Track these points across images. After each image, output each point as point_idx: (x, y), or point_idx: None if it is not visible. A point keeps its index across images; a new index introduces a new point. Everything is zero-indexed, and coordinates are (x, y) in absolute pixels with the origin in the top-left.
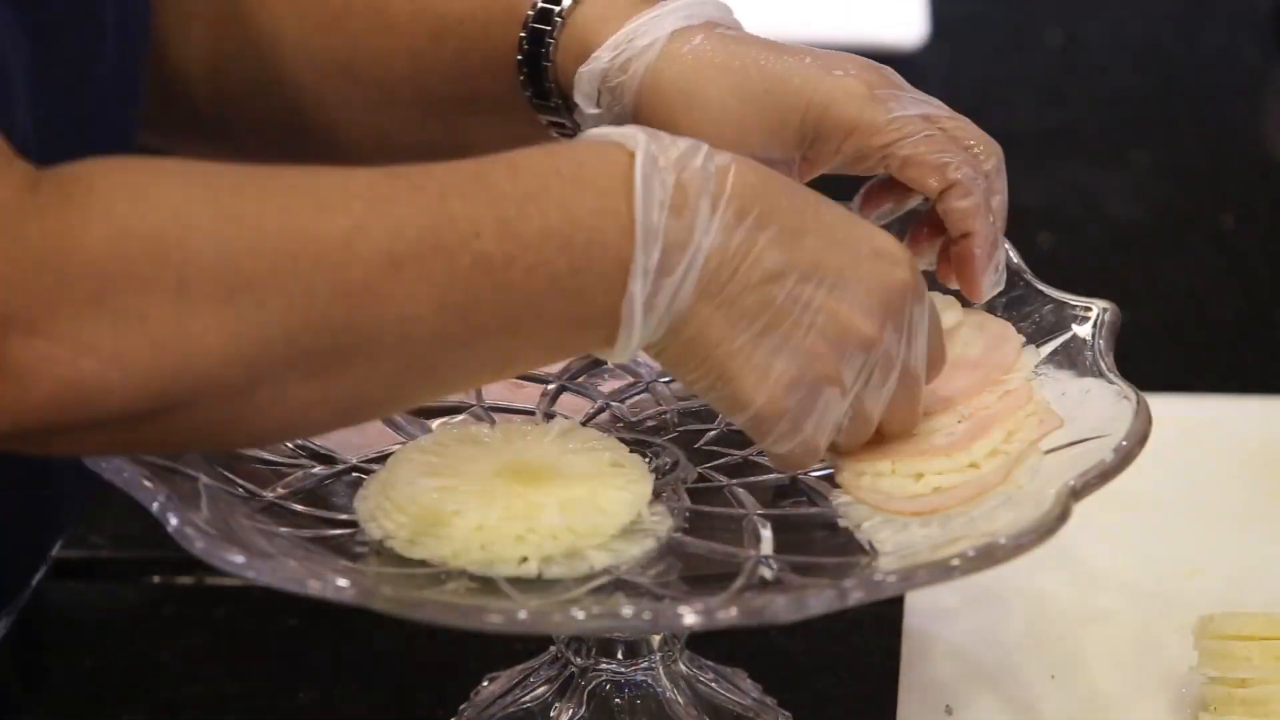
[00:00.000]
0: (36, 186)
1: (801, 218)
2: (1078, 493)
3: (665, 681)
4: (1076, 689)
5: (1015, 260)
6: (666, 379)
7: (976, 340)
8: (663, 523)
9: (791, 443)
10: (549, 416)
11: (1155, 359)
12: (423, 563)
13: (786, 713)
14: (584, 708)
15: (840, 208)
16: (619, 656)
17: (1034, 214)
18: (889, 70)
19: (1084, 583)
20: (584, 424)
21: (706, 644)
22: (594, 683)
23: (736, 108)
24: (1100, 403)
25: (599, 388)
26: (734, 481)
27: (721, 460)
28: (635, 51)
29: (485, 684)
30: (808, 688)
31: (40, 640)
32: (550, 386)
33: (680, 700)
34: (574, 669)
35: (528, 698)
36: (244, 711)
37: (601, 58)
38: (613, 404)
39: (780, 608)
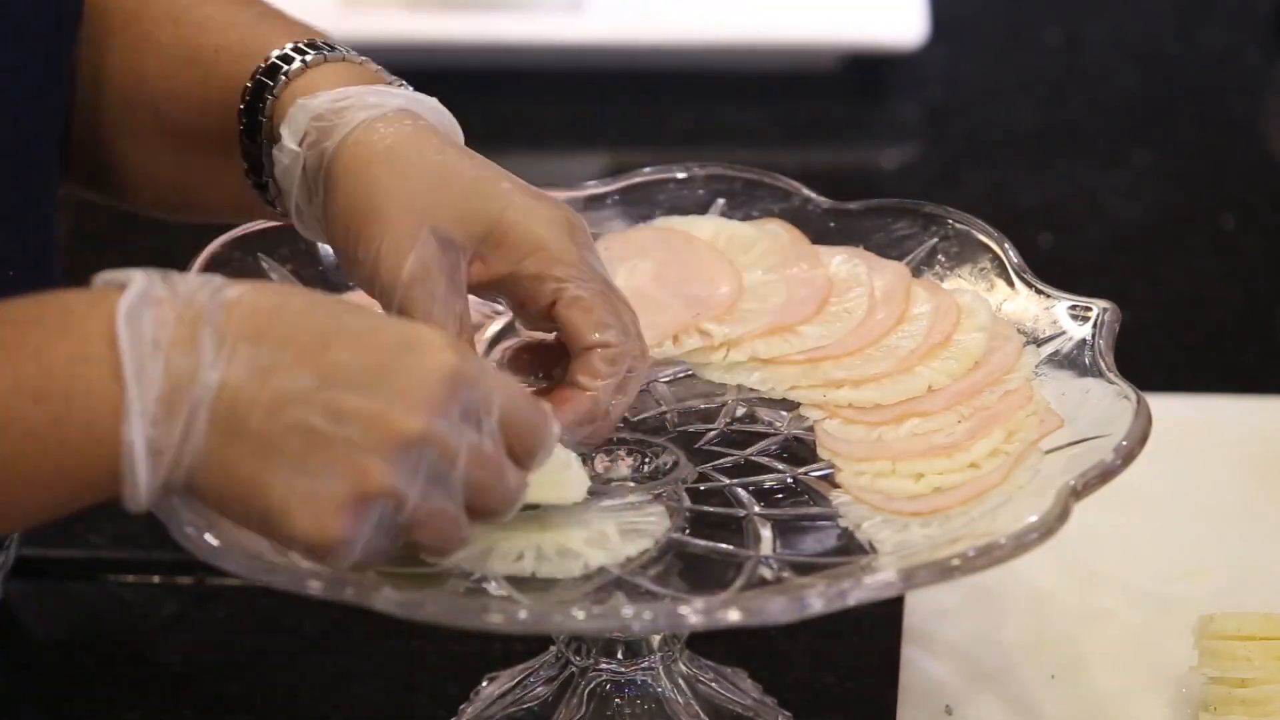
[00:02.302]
0: None
1: (324, 332)
2: (1078, 493)
3: (665, 681)
4: (1076, 689)
5: (1016, 260)
6: (666, 379)
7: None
8: (661, 523)
9: (352, 560)
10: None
11: (1155, 359)
12: (423, 562)
13: (787, 713)
14: (584, 708)
15: (368, 312)
16: (619, 656)
17: (1034, 214)
18: (582, 222)
19: (1084, 583)
20: None
21: (706, 644)
22: (594, 683)
23: (436, 182)
24: (1100, 403)
25: None
26: (734, 481)
27: (721, 460)
28: (361, 103)
29: (485, 684)
30: (808, 688)
31: (37, 639)
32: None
33: (680, 700)
34: (574, 669)
35: (528, 698)
36: (244, 712)
37: (324, 97)
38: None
39: (780, 608)
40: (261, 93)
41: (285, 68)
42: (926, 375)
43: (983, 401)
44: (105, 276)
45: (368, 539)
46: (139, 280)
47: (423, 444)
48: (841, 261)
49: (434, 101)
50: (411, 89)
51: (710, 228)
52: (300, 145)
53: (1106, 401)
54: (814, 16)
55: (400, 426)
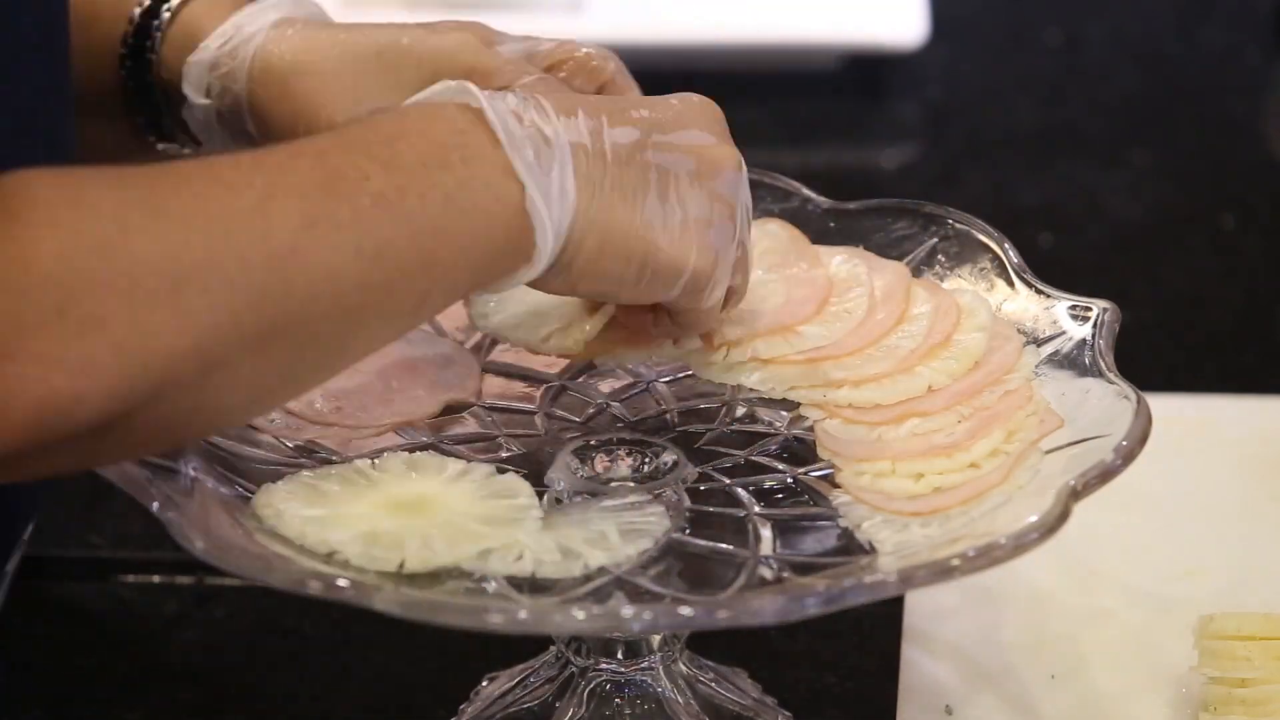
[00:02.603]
0: None
1: (614, 103)
2: (1078, 493)
3: (665, 681)
4: (1076, 689)
5: (1016, 260)
6: (666, 379)
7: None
8: (661, 523)
9: (720, 288)
10: (549, 416)
11: (1155, 359)
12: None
13: (787, 713)
14: (584, 708)
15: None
16: (619, 656)
17: (1034, 214)
18: (483, 25)
19: (1084, 583)
20: (584, 424)
21: (706, 644)
22: (594, 683)
23: (350, 72)
24: (1100, 403)
25: (599, 387)
26: (734, 481)
27: (722, 460)
28: (243, 38)
29: (485, 684)
30: (808, 688)
31: (37, 639)
32: (551, 386)
33: (680, 700)
34: (574, 669)
35: (528, 697)
36: (244, 712)
37: (210, 46)
38: (612, 404)
39: (780, 608)
40: (141, 55)
41: (156, 22)
42: (926, 375)
43: (983, 401)
44: (414, 99)
45: (726, 264)
46: (465, 85)
47: (741, 170)
48: (842, 261)
49: None
50: None
51: None
52: (209, 98)
53: (1106, 401)
54: (814, 16)
55: (725, 155)
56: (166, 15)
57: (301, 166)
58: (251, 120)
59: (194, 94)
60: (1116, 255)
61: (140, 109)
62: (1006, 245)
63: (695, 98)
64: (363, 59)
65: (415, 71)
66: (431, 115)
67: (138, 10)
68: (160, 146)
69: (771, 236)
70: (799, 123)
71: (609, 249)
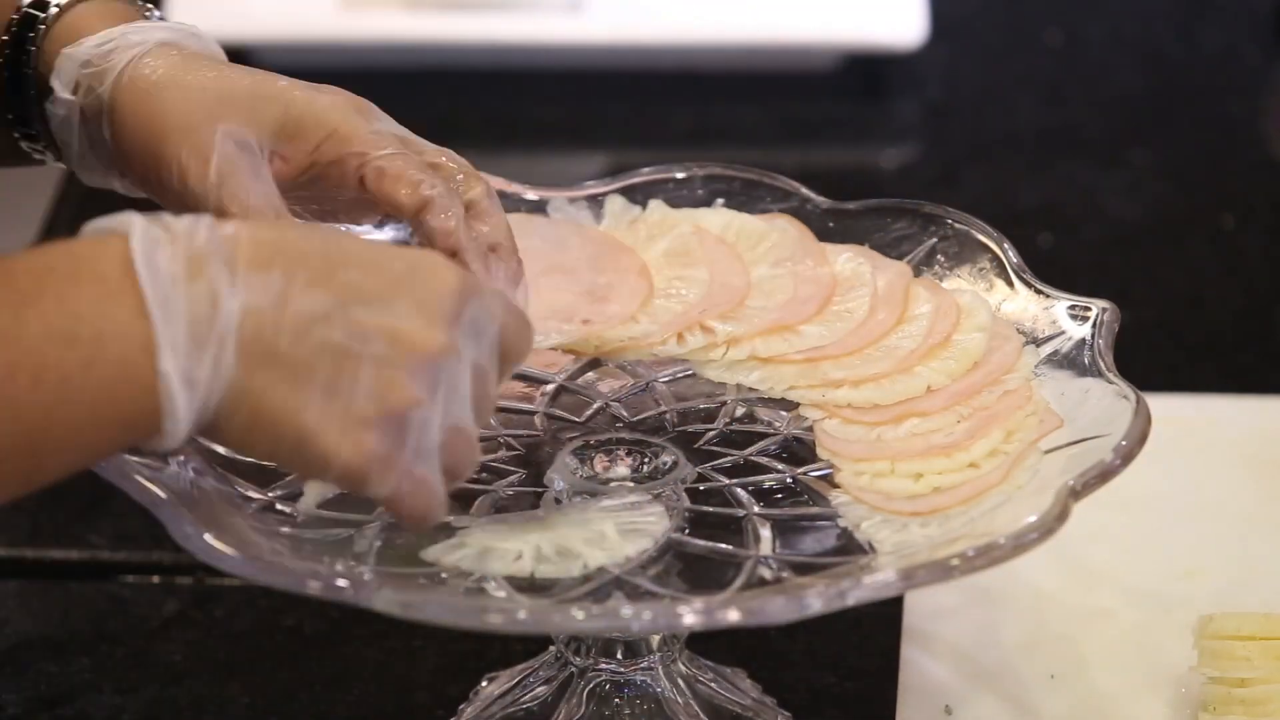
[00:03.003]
0: None
1: (327, 257)
2: (1078, 493)
3: (665, 681)
4: (1076, 689)
5: (1015, 260)
6: (666, 379)
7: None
8: (661, 523)
9: (391, 483)
10: (549, 416)
11: (1155, 359)
12: (422, 562)
13: (786, 713)
14: (584, 708)
15: (362, 238)
16: (619, 656)
17: (1034, 214)
18: (366, 101)
19: (1084, 583)
20: (584, 424)
21: (706, 644)
22: (594, 683)
23: (214, 98)
24: (1100, 402)
25: (598, 387)
26: (734, 481)
27: (721, 460)
28: (124, 44)
29: (485, 684)
30: (808, 688)
31: (37, 638)
32: (550, 386)
33: (680, 700)
34: (574, 669)
35: (528, 698)
36: (243, 712)
37: (88, 42)
38: (612, 404)
39: (780, 608)
40: (22, 45)
41: (42, 15)
42: (925, 375)
43: (982, 401)
44: (95, 225)
45: (401, 463)
46: (138, 223)
47: (443, 357)
48: (847, 259)
49: (192, 27)
50: (160, 15)
51: (720, 220)
52: (75, 94)
53: (1106, 401)
54: (814, 16)
55: (425, 341)
56: (55, 10)
57: None
58: (108, 125)
59: (61, 87)
60: (1116, 255)
61: (11, 102)
62: (1006, 245)
63: (437, 261)
64: (232, 89)
65: (281, 110)
66: (81, 271)
67: (26, 1)
68: (25, 146)
69: (780, 232)
70: (799, 123)
71: (258, 428)
